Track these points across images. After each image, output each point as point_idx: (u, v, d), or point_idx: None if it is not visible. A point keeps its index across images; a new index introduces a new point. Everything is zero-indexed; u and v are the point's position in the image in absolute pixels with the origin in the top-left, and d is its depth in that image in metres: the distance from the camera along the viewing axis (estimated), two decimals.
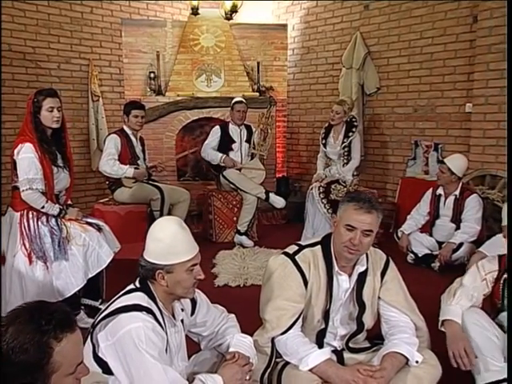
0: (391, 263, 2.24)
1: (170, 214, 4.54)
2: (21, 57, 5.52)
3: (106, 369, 1.69)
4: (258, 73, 6.31)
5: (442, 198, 4.35)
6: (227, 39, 6.22)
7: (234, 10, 5.63)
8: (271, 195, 5.02)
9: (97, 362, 1.70)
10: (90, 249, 3.02)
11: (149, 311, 1.71)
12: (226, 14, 5.72)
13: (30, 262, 2.92)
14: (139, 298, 1.75)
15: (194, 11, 5.71)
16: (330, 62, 6.33)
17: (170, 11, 6.71)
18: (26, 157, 2.86)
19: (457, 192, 4.25)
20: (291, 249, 2.20)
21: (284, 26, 6.54)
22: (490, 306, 2.28)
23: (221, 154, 5.15)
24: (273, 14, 6.95)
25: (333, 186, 4.84)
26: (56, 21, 5.76)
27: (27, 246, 2.92)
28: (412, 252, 4.40)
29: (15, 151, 2.89)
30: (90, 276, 3.04)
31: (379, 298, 2.19)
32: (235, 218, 5.17)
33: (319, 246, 2.17)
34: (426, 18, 5.31)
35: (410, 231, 4.43)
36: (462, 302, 2.26)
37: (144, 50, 6.13)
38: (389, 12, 5.64)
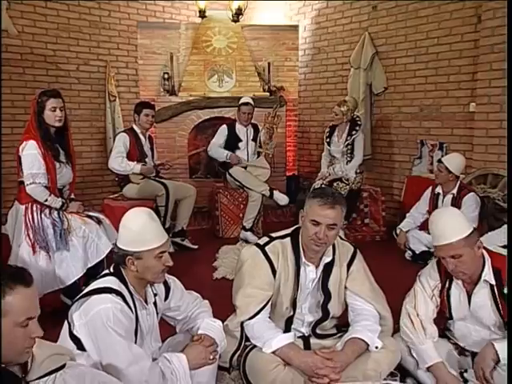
0: (358, 255, 2.36)
1: (176, 209, 4.75)
2: (42, 59, 5.76)
3: (80, 346, 1.86)
4: (269, 73, 6.42)
5: (441, 197, 4.39)
6: (239, 40, 6.36)
7: (240, 12, 5.76)
8: (275, 192, 5.14)
9: (72, 340, 1.88)
10: (90, 240, 3.20)
11: (118, 294, 1.88)
12: (232, 16, 5.85)
13: (34, 251, 3.12)
14: (111, 282, 1.92)
15: (201, 14, 5.86)
16: (340, 62, 6.39)
17: (185, 13, 6.85)
18: (30, 153, 3.07)
19: (454, 190, 4.27)
20: (262, 240, 2.34)
21: (295, 27, 6.62)
22: (439, 315, 2.32)
23: (226, 152, 5.29)
24: (285, 16, 7.02)
25: (335, 184, 4.93)
26: (75, 24, 5.99)
27: (31, 236, 3.12)
28: (410, 249, 4.47)
29: (20, 148, 3.11)
30: (90, 266, 3.21)
31: (346, 287, 2.31)
32: (241, 215, 5.30)
33: (289, 238, 2.31)
34: (432, 19, 5.33)
35: (408, 229, 4.48)
36: (429, 333, 2.27)
37: (158, 52, 6.32)
38: (396, 12, 5.67)
